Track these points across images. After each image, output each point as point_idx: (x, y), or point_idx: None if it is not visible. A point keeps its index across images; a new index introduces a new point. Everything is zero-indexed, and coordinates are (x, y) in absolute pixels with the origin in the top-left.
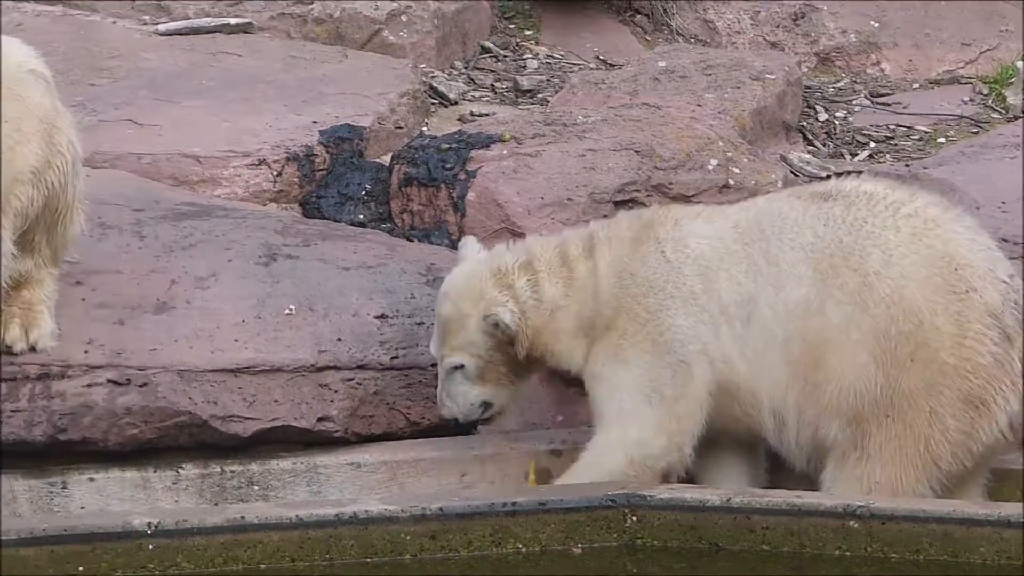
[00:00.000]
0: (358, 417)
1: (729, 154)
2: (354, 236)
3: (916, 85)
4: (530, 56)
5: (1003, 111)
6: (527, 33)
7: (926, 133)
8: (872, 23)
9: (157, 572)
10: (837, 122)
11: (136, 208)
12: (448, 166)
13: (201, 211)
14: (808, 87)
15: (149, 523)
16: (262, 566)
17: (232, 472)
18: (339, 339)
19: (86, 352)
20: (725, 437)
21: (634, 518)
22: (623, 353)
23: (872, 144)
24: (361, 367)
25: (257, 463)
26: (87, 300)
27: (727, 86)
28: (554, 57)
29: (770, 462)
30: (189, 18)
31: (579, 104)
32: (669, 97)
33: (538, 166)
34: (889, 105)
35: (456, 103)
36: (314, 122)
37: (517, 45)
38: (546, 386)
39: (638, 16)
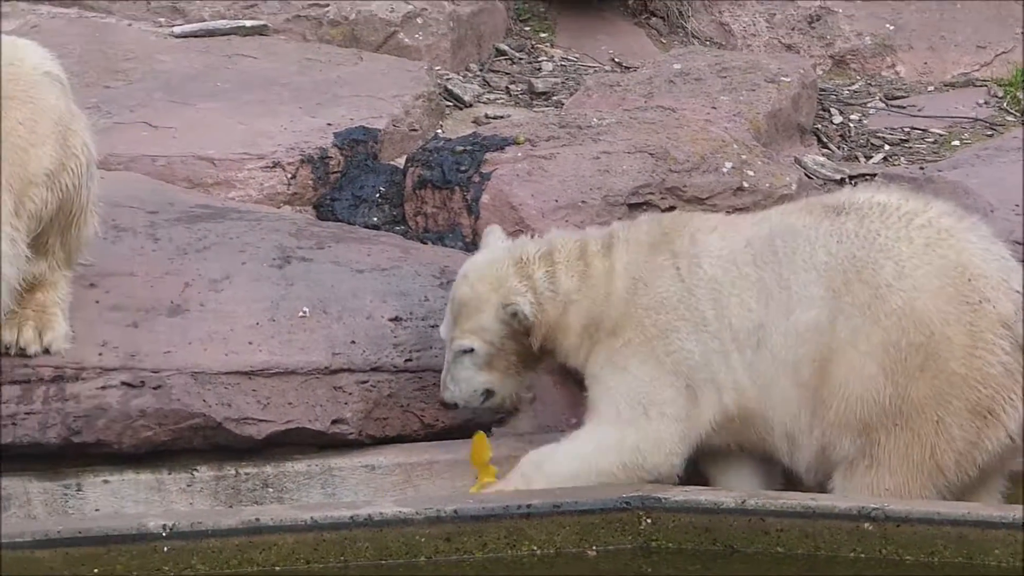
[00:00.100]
0: (372, 419)
1: (743, 157)
2: (368, 239)
3: (931, 88)
4: (545, 58)
5: (1018, 114)
6: (542, 35)
7: (941, 136)
8: (887, 26)
9: (172, 574)
10: (852, 125)
11: (150, 210)
12: (462, 168)
13: (215, 213)
14: (823, 90)
15: (164, 525)
16: (277, 568)
17: (247, 474)
18: (353, 342)
19: (100, 354)
20: (750, 452)
21: (649, 520)
22: (623, 360)
23: (887, 147)
24: (375, 369)
25: (271, 465)
26: (101, 302)
27: (742, 89)
28: (569, 59)
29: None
30: (204, 20)
31: (594, 106)
32: (684, 100)
33: (552, 168)
34: (904, 108)
35: (471, 105)
36: (329, 124)
37: (532, 47)
38: (560, 388)
39: (653, 19)
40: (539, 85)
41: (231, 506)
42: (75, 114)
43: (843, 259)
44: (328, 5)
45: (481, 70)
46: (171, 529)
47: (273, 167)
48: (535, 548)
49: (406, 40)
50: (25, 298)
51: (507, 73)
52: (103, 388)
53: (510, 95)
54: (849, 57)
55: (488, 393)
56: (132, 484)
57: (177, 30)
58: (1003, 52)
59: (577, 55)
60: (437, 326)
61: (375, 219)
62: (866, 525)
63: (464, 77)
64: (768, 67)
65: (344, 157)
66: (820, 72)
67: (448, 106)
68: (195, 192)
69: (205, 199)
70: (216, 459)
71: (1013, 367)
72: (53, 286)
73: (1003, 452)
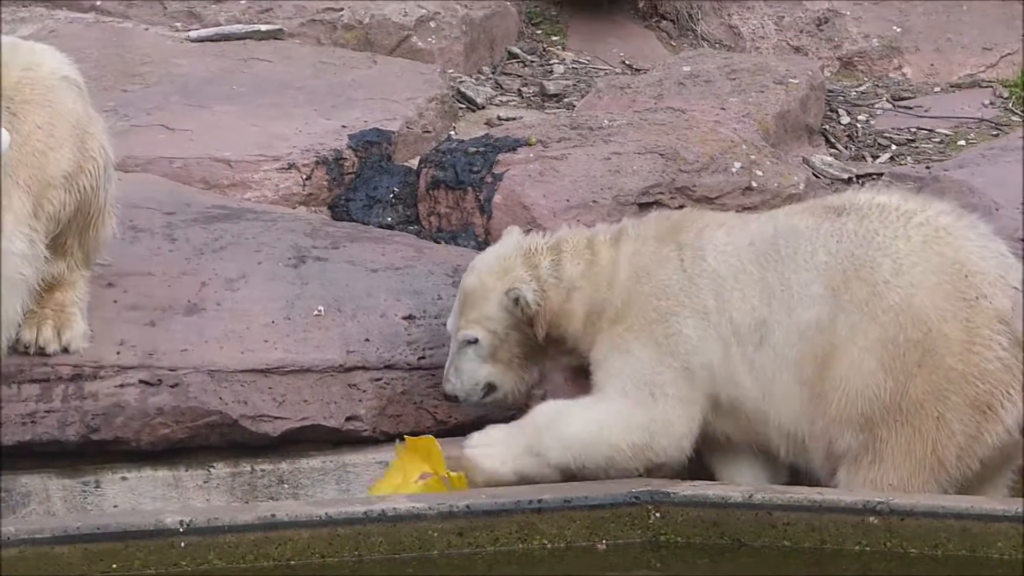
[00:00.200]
0: (386, 416)
1: (752, 157)
2: (382, 238)
3: (937, 89)
4: (556, 61)
5: (1023, 114)
6: (554, 38)
7: (947, 136)
8: (894, 28)
9: (189, 569)
10: (859, 125)
11: (167, 211)
12: (475, 169)
13: (231, 214)
14: (831, 91)
15: (181, 521)
16: (292, 563)
17: (262, 471)
18: (367, 340)
19: (118, 353)
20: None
21: (658, 514)
22: (626, 344)
23: (893, 147)
24: (389, 367)
25: (287, 462)
26: (119, 302)
27: (751, 90)
28: (580, 62)
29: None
30: (220, 25)
31: (605, 108)
32: (694, 101)
33: (564, 169)
34: (910, 108)
35: (483, 107)
36: (343, 126)
37: (544, 50)
38: (571, 385)
39: (663, 22)
40: (550, 87)
41: (247, 502)
42: (92, 117)
43: (842, 258)
44: (342, 9)
45: (493, 73)
46: (188, 525)
47: (288, 168)
48: (546, 542)
49: (419, 43)
50: (44, 298)
51: (519, 75)
52: (121, 386)
53: (522, 97)
54: (856, 59)
55: (489, 387)
56: (150, 481)
57: (193, 34)
58: (1008, 54)
59: (588, 58)
60: None
61: (389, 219)
62: (871, 519)
63: (477, 80)
64: (776, 69)
65: (358, 158)
66: (828, 74)
67: (461, 108)
68: (211, 193)
69: (221, 200)
70: (232, 456)
71: (1011, 362)
72: (72, 286)
73: (1004, 446)
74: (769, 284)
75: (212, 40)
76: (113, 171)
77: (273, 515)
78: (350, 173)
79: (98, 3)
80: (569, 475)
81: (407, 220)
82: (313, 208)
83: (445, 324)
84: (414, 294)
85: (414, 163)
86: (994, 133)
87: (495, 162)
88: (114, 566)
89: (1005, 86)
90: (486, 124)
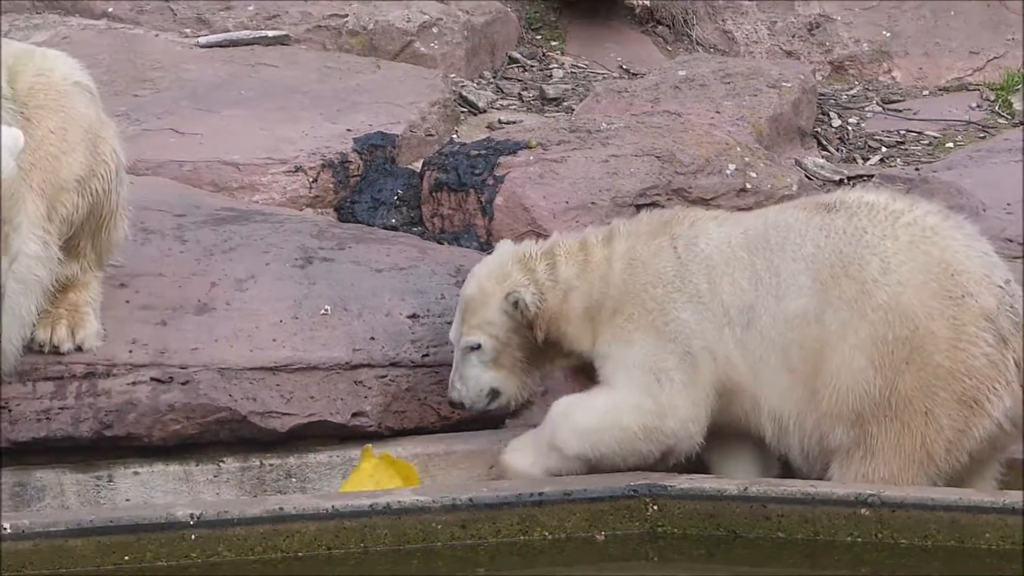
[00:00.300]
0: (391, 412)
1: (746, 159)
2: (387, 239)
3: (926, 92)
4: (556, 66)
5: (1009, 116)
6: (553, 44)
7: (935, 138)
8: (884, 33)
9: (199, 561)
10: (850, 128)
11: (178, 213)
12: (477, 172)
13: (240, 216)
14: (822, 94)
15: (191, 514)
16: (300, 554)
17: (271, 465)
18: (372, 338)
19: (130, 351)
20: (734, 429)
21: (655, 507)
22: (629, 335)
23: (883, 149)
24: (394, 364)
25: (295, 456)
26: (131, 302)
27: (745, 94)
28: (579, 67)
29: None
30: (228, 31)
31: (603, 112)
32: (689, 105)
33: (563, 171)
34: (900, 111)
35: (485, 111)
36: (348, 130)
37: (543, 55)
38: (572, 383)
39: (660, 27)
40: (550, 91)
41: (256, 496)
42: (104, 122)
43: (830, 253)
44: (347, 15)
45: (494, 77)
46: (198, 518)
47: (295, 171)
48: (546, 534)
49: (422, 49)
50: (58, 298)
51: (519, 80)
52: (133, 384)
53: (522, 101)
54: (847, 63)
55: (494, 393)
56: (161, 475)
57: (202, 40)
58: (995, 57)
59: (586, 62)
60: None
61: (393, 221)
62: (863, 511)
63: (478, 84)
64: (770, 73)
65: (363, 161)
66: (820, 77)
67: (463, 112)
68: (220, 196)
69: (230, 202)
70: (242, 451)
71: (996, 358)
72: (85, 286)
73: (992, 439)
74: (757, 270)
75: (220, 46)
76: (125, 174)
77: (281, 508)
78: (355, 176)
79: (110, 10)
80: (591, 466)
81: (411, 221)
82: (319, 210)
83: (448, 323)
84: (418, 293)
85: (417, 166)
86: (981, 135)
87: (496, 164)
88: (126, 558)
89: (992, 89)
90: (487, 127)
